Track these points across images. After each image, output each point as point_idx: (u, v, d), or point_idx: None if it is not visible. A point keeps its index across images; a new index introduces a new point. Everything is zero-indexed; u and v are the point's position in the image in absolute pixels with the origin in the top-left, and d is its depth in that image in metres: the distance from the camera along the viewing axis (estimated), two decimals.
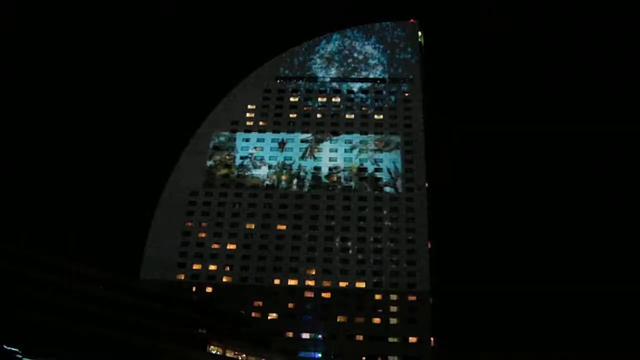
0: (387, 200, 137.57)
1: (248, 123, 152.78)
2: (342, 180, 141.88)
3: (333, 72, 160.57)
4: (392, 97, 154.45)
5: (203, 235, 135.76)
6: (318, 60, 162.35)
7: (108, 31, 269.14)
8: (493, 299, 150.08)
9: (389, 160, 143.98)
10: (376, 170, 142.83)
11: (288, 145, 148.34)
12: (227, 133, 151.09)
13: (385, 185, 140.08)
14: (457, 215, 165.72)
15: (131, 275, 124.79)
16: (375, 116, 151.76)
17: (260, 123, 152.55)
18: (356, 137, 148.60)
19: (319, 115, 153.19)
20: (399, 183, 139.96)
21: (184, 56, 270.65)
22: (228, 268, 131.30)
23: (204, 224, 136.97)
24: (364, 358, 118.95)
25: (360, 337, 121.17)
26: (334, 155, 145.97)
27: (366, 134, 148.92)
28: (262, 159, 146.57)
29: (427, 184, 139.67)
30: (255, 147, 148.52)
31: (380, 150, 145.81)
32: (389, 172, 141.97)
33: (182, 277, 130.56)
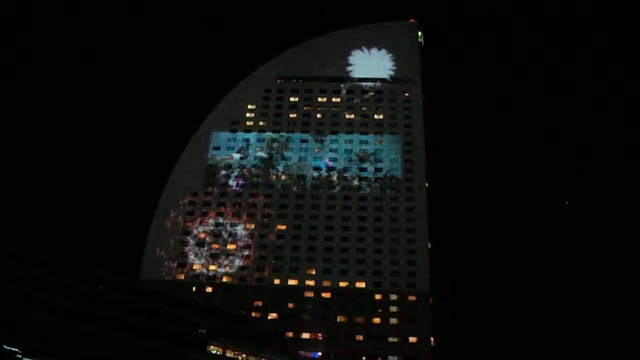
0: (387, 200, 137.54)
1: (248, 123, 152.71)
2: (342, 180, 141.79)
3: (333, 72, 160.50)
4: (392, 97, 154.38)
5: (203, 235, 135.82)
6: (318, 60, 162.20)
7: (108, 31, 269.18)
8: (493, 299, 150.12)
9: (389, 161, 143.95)
10: (376, 170, 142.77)
11: (288, 146, 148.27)
12: (227, 133, 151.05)
13: (385, 185, 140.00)
14: (457, 216, 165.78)
15: (131, 275, 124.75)
16: (375, 116, 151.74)
17: (260, 123, 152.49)
18: (356, 137, 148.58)
19: (319, 115, 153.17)
20: (398, 183, 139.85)
21: (184, 56, 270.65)
22: (228, 268, 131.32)
23: (204, 224, 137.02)
24: (364, 358, 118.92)
25: (360, 337, 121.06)
26: (334, 156, 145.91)
27: (366, 134, 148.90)
28: (262, 159, 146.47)
29: (427, 184, 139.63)
30: (255, 147, 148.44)
31: (381, 150, 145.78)
32: (389, 172, 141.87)
33: (182, 277, 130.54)
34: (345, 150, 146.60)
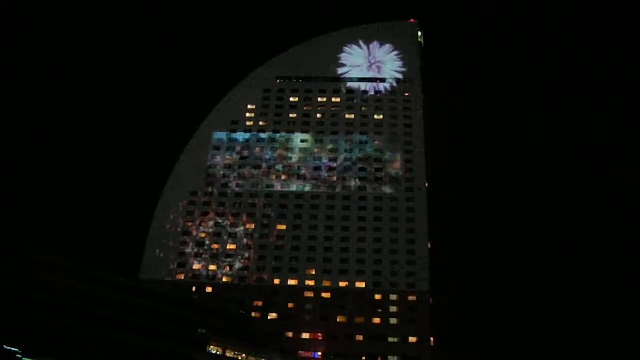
0: (387, 200, 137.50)
1: (248, 123, 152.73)
2: (342, 180, 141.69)
3: (333, 72, 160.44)
4: (392, 97, 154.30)
5: (203, 235, 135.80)
6: (318, 60, 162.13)
7: (108, 31, 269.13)
8: (493, 299, 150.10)
9: (389, 161, 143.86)
10: (376, 170, 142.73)
11: (288, 146, 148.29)
12: (227, 133, 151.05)
13: (385, 185, 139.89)
14: (457, 216, 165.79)
15: (131, 275, 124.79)
16: (375, 116, 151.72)
17: (260, 123, 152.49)
18: (356, 137, 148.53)
19: (319, 115, 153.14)
20: (398, 183, 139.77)
21: (184, 56, 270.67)
22: (228, 268, 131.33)
23: (204, 224, 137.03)
24: (364, 358, 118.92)
25: (360, 337, 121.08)
26: (334, 156, 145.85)
27: (366, 134, 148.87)
28: (262, 159, 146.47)
29: (427, 184, 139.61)
30: (255, 148, 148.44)
31: (381, 150, 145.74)
32: (389, 172, 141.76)
33: (182, 277, 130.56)
34: (345, 150, 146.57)
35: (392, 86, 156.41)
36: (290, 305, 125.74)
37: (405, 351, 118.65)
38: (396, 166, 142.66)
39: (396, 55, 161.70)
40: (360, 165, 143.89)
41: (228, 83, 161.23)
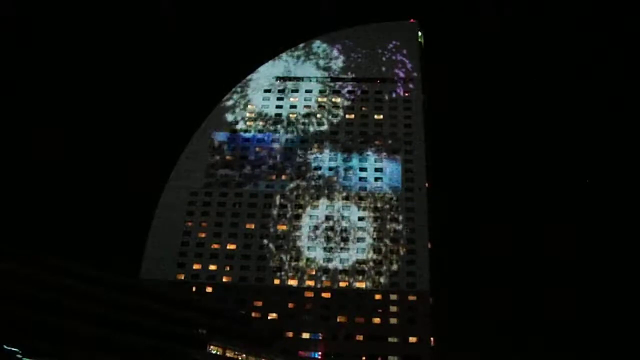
0: (388, 200, 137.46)
1: (248, 123, 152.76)
2: (342, 179, 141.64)
3: (333, 72, 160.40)
4: (392, 97, 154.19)
5: (203, 235, 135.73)
6: (318, 61, 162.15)
7: (109, 31, 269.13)
8: (492, 299, 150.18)
9: (389, 161, 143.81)
10: (376, 170, 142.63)
11: (288, 145, 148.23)
12: (227, 133, 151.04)
13: (385, 185, 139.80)
14: (457, 216, 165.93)
15: (131, 275, 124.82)
16: (375, 116, 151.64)
17: (260, 123, 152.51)
18: (356, 137, 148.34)
19: (318, 115, 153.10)
20: (398, 183, 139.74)
21: (184, 56, 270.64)
22: (228, 268, 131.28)
23: (204, 224, 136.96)
24: (364, 358, 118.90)
25: (360, 337, 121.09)
26: (334, 156, 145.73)
27: (366, 134, 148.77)
28: (262, 158, 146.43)
29: (427, 184, 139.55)
30: (255, 147, 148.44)
31: (381, 151, 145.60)
32: (389, 173, 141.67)
33: (182, 277, 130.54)
34: (345, 150, 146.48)
35: (392, 86, 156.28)
36: (290, 305, 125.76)
37: (405, 351, 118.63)
38: (396, 166, 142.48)
39: (396, 55, 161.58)
40: (360, 165, 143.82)
41: (228, 83, 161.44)
